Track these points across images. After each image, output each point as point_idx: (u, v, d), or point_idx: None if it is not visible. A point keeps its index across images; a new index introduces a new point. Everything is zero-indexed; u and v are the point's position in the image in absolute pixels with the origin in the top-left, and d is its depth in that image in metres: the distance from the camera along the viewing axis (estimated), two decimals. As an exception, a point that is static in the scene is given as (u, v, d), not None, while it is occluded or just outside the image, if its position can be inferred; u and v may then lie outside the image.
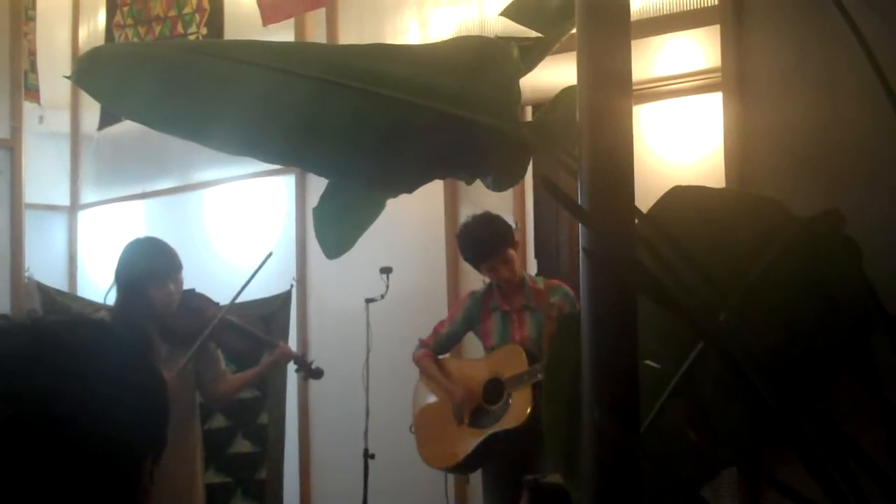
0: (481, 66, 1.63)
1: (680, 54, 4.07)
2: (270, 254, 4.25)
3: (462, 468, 4.04)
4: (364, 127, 1.60)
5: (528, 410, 3.66)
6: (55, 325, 1.06)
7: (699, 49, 3.96)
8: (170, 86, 1.59)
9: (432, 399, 4.10)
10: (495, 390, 3.87)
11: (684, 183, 1.66)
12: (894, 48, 1.53)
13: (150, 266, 3.77)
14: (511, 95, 1.60)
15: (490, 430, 3.85)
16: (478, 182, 1.69)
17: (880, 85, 1.48)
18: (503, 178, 1.71)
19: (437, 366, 4.11)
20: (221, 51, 1.68)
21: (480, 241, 3.85)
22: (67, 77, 2.29)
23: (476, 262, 3.95)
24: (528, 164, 1.66)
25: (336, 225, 1.90)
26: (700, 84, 4.22)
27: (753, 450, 1.65)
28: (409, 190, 1.70)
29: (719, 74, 2.07)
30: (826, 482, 1.37)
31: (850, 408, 1.59)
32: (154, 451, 1.05)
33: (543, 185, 1.48)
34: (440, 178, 1.76)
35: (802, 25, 1.84)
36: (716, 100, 4.00)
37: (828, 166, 1.79)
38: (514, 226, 3.87)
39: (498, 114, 1.59)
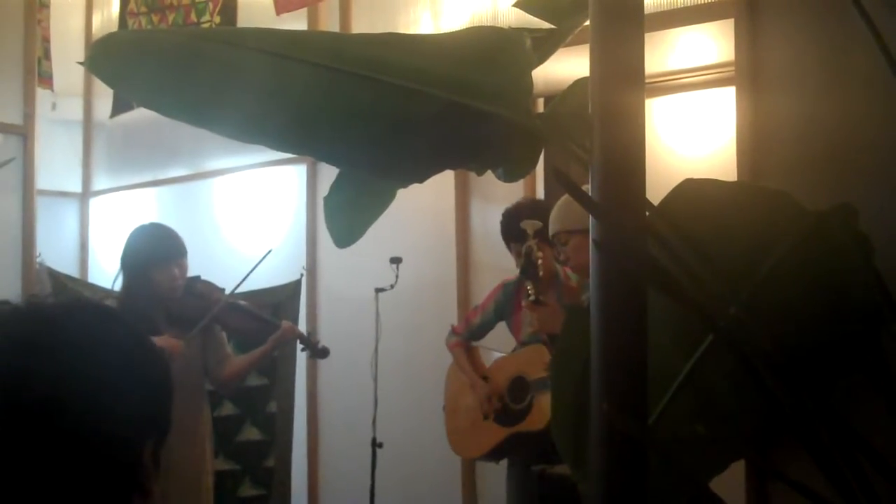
0: (494, 56, 1.63)
1: (692, 48, 4.05)
2: (270, 251, 4.29)
3: (485, 459, 4.04)
4: (374, 115, 1.59)
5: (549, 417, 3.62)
6: (53, 308, 1.06)
7: (712, 43, 3.94)
8: (180, 72, 1.59)
9: (460, 389, 4.08)
10: (520, 389, 3.84)
11: (695, 176, 1.65)
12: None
13: (154, 250, 3.81)
14: (523, 86, 1.59)
15: (512, 430, 3.83)
16: (489, 173, 1.69)
17: (894, 79, 1.47)
18: (514, 169, 1.70)
19: (467, 356, 4.07)
20: (231, 38, 1.68)
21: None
22: (81, 63, 2.30)
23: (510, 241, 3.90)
24: (539, 154, 1.65)
25: (346, 214, 1.90)
26: (712, 78, 4.20)
27: (761, 444, 1.65)
28: (420, 180, 1.70)
29: (732, 69, 2.06)
30: (835, 477, 1.37)
31: (862, 403, 1.59)
32: (158, 434, 1.06)
33: (555, 177, 1.48)
34: (451, 168, 1.76)
35: (816, 20, 1.83)
36: (728, 94, 4.00)
37: (840, 161, 1.79)
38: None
39: (510, 104, 1.58)
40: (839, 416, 1.50)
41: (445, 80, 1.59)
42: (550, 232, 3.53)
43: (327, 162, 1.67)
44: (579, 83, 1.75)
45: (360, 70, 1.57)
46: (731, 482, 1.73)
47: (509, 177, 1.73)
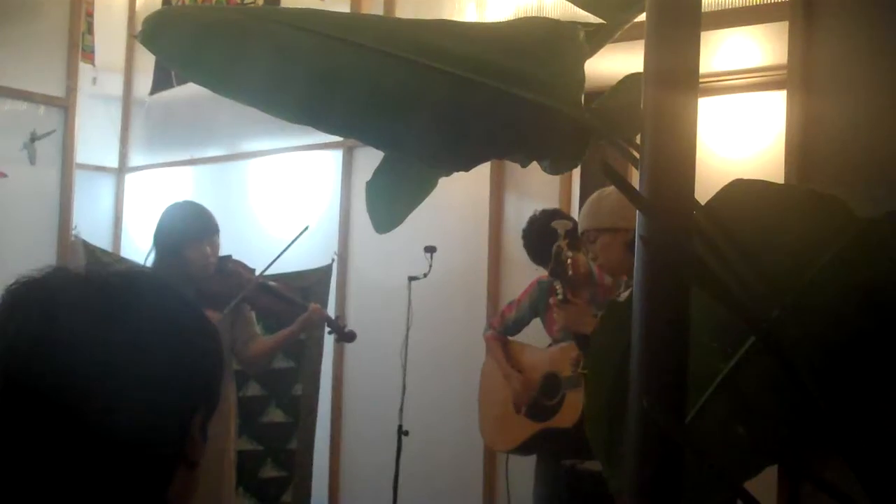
0: (547, 46, 1.62)
1: (738, 50, 4.03)
2: (307, 227, 4.30)
3: (515, 452, 4.05)
4: (424, 102, 1.59)
5: (579, 414, 3.63)
6: (114, 277, 1.06)
7: (758, 46, 3.91)
8: (235, 51, 1.60)
9: (495, 382, 4.09)
10: (552, 386, 3.85)
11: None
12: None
13: (186, 227, 3.85)
14: (575, 78, 1.58)
15: (542, 425, 3.84)
16: (527, 167, 1.69)
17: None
18: (561, 162, 1.69)
19: (502, 349, 4.09)
20: (285, 18, 1.68)
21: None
22: (135, 37, 2.32)
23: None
24: (586, 148, 1.65)
25: (388, 200, 1.91)
26: (757, 81, 4.17)
27: (797, 448, 1.64)
28: (466, 168, 1.69)
29: (778, 72, 2.04)
30: (872, 486, 1.36)
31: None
32: (207, 406, 1.07)
33: (604, 171, 1.47)
34: (497, 157, 1.76)
35: (872, 26, 1.81)
36: (773, 98, 4.00)
37: (891, 169, 1.77)
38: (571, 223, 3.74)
39: (561, 96, 1.58)
40: (879, 423, 1.49)
41: (496, 69, 1.58)
42: (580, 229, 3.54)
43: (374, 146, 1.67)
44: (630, 78, 1.74)
45: (410, 55, 1.57)
46: (763, 484, 1.72)
47: (554, 169, 1.72)
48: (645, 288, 1.43)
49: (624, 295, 3.33)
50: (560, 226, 3.63)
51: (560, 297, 3.56)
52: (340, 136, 1.90)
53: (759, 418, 1.59)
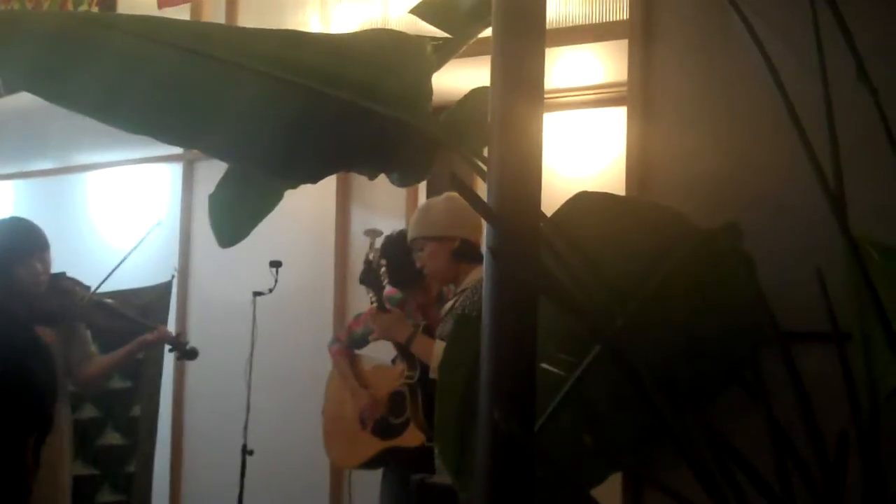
0: (395, 59, 1.63)
1: (581, 66, 4.13)
2: (160, 222, 4.19)
3: (362, 468, 4.01)
4: (272, 113, 1.57)
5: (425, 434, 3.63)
6: None
7: (599, 62, 4.02)
8: (69, 57, 1.53)
9: (341, 396, 4.05)
10: (400, 404, 3.84)
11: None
12: (797, 71, 1.59)
13: (14, 244, 3.70)
14: (423, 91, 1.59)
15: (389, 443, 3.82)
16: (371, 179, 1.69)
17: (779, 106, 1.53)
18: (409, 174, 1.70)
19: (349, 364, 4.05)
20: (130, 27, 1.62)
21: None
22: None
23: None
24: (434, 160, 1.66)
25: (232, 213, 1.87)
26: (599, 98, 4.28)
27: (642, 454, 1.68)
28: (314, 180, 1.68)
29: (618, 89, 2.10)
30: (712, 489, 1.41)
31: (742, 417, 1.64)
32: (39, 431, 1.01)
33: (452, 182, 1.48)
34: (345, 170, 1.74)
35: (710, 46, 1.89)
36: (614, 114, 4.12)
37: (725, 184, 1.85)
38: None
39: (409, 109, 1.58)
40: (716, 430, 1.54)
41: (345, 81, 1.57)
42: (409, 237, 3.58)
43: (220, 158, 1.63)
44: (477, 92, 1.76)
45: (259, 66, 1.54)
46: (608, 491, 1.75)
47: (403, 182, 1.72)
48: (493, 298, 1.45)
49: (448, 304, 3.40)
50: (371, 234, 3.70)
51: (375, 304, 3.58)
52: (183, 146, 1.85)
53: (605, 426, 1.62)
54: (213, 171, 1.71)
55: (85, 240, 5.56)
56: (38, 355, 1.03)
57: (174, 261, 5.19)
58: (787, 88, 1.52)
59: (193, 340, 4.40)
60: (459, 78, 2.21)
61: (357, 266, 4.62)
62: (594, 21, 3.68)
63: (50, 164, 5.97)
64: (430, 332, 3.51)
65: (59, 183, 5.92)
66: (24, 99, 1.58)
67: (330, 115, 1.57)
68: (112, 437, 4.72)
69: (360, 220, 4.82)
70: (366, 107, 1.56)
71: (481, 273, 3.34)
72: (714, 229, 1.58)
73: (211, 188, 1.77)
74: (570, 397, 1.63)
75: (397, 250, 3.75)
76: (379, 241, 3.72)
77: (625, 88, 2.03)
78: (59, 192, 5.89)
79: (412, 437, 3.71)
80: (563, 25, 3.79)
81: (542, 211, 1.50)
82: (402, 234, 3.80)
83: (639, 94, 1.94)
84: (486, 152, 1.53)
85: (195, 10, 5.14)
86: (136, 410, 4.74)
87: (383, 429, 3.87)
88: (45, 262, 3.76)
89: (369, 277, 3.64)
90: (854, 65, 1.49)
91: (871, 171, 1.64)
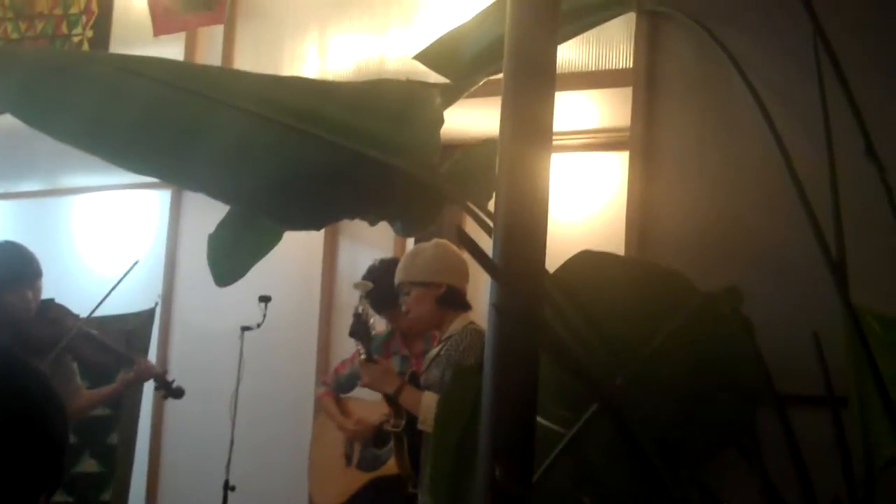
0: (404, 110, 1.63)
1: (576, 111, 4.13)
2: (136, 262, 4.17)
3: None
4: (277, 160, 1.57)
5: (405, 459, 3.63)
6: None
7: (595, 107, 4.03)
8: (50, 88, 1.53)
9: (328, 437, 4.06)
10: (384, 436, 3.85)
11: (574, 241, 1.69)
12: (802, 136, 1.61)
13: (6, 271, 3.65)
14: (431, 143, 1.60)
15: (373, 475, 3.84)
16: (372, 225, 1.69)
17: (781, 167, 1.55)
18: (413, 224, 1.70)
19: (335, 404, 4.08)
20: (120, 63, 1.63)
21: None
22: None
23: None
24: (439, 212, 1.66)
25: (230, 252, 1.87)
26: (591, 142, 4.28)
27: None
28: (318, 227, 1.68)
29: (614, 133, 2.11)
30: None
31: (738, 477, 1.64)
32: (51, 485, 1.00)
33: (458, 237, 1.49)
34: (349, 217, 1.74)
35: (713, 100, 1.91)
36: (606, 159, 4.12)
37: (725, 243, 1.86)
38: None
39: (415, 160, 1.59)
40: (711, 489, 1.55)
41: (353, 130, 1.58)
42: (396, 281, 3.59)
43: (224, 202, 1.63)
44: (486, 143, 1.76)
45: (265, 113, 1.54)
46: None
47: (406, 231, 1.72)
48: (497, 354, 1.45)
49: (433, 352, 3.40)
50: (360, 286, 3.70)
51: (364, 356, 3.59)
52: (188, 189, 1.85)
53: (602, 484, 1.62)
54: (200, 200, 1.71)
55: (67, 264, 5.52)
56: (53, 402, 1.01)
57: (158, 288, 5.16)
58: (790, 151, 1.54)
59: (174, 371, 4.38)
60: (465, 118, 2.22)
61: (343, 300, 4.62)
62: (592, 68, 3.70)
63: (37, 186, 5.93)
64: (416, 379, 3.51)
65: (45, 205, 5.88)
66: (10, 119, 1.58)
67: (336, 163, 1.58)
68: (88, 465, 4.68)
69: (348, 254, 4.82)
70: (372, 157, 1.57)
71: (466, 320, 3.46)
72: (715, 292, 1.59)
73: (198, 216, 1.77)
74: (567, 453, 1.63)
75: (386, 274, 3.78)
76: (367, 293, 3.71)
77: (620, 134, 2.05)
78: (45, 215, 5.85)
79: (394, 465, 3.72)
80: (563, 71, 3.81)
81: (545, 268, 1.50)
82: (393, 261, 3.82)
83: (640, 143, 1.96)
84: (491, 205, 1.53)
85: (190, 39, 5.14)
86: (114, 438, 4.71)
87: (368, 461, 3.88)
88: (37, 291, 3.71)
89: (359, 330, 3.64)
90: (861, 136, 1.50)
91: (870, 239, 1.66)
